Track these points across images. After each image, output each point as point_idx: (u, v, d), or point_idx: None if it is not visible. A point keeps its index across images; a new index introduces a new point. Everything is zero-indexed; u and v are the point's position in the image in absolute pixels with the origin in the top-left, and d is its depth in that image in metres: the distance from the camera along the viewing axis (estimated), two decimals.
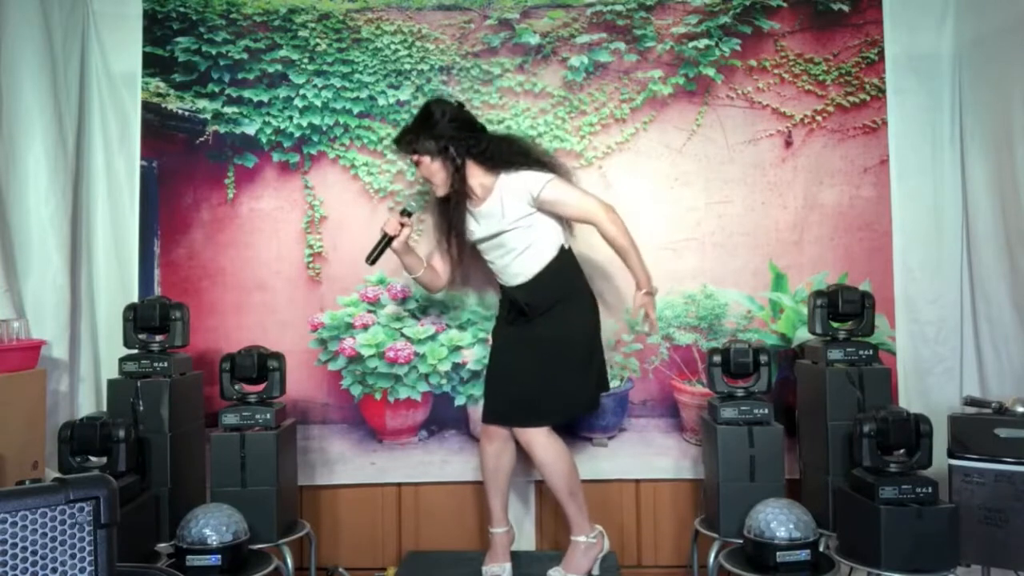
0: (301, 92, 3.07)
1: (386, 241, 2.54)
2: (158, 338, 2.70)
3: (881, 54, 3.04)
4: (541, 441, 2.52)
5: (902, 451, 2.41)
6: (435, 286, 2.72)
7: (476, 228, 2.57)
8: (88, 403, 2.98)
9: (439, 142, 2.51)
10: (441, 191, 2.54)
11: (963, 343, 3.02)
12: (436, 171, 2.53)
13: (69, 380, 2.91)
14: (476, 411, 2.94)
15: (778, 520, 2.36)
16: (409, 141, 2.55)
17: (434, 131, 2.51)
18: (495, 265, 2.61)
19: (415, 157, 2.54)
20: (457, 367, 2.99)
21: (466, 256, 2.62)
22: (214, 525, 2.38)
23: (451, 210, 2.54)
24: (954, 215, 3.03)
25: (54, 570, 1.21)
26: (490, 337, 2.81)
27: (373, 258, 2.55)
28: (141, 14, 3.08)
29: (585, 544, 2.59)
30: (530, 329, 2.55)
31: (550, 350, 2.53)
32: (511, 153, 2.57)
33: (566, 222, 2.59)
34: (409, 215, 2.56)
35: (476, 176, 2.54)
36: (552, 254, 2.54)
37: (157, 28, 3.09)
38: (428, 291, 2.80)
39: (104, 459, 2.40)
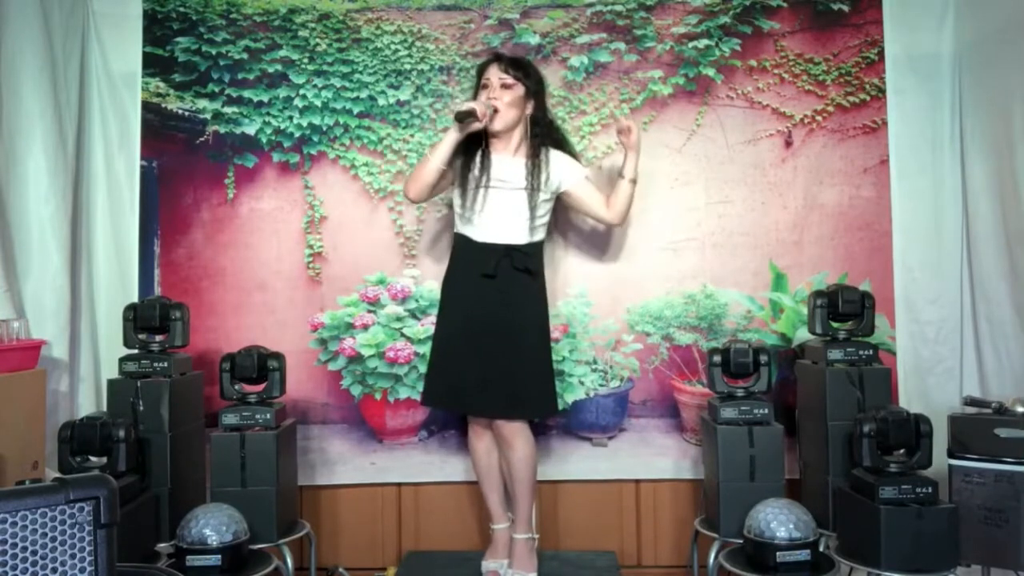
0: (301, 92, 3.07)
1: (470, 116, 2.46)
2: (158, 338, 2.71)
3: (881, 54, 3.04)
4: (528, 434, 2.56)
5: (902, 451, 2.41)
6: (434, 185, 2.60)
7: (501, 172, 2.57)
8: (88, 403, 2.98)
9: (537, 88, 2.63)
10: (498, 125, 2.54)
11: (963, 343, 3.02)
12: (513, 105, 2.56)
13: (69, 380, 2.92)
14: None
15: (778, 520, 2.36)
16: (518, 66, 2.59)
17: (537, 77, 2.65)
18: (497, 214, 2.55)
19: (511, 81, 2.55)
20: None
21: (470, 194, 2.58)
22: (214, 525, 2.38)
23: (482, 148, 2.59)
24: (954, 215, 3.03)
25: (54, 570, 1.21)
26: (444, 305, 2.66)
27: (461, 115, 2.47)
28: (141, 14, 3.08)
29: (533, 540, 2.64)
30: (512, 316, 2.53)
31: (539, 340, 2.57)
32: (559, 136, 2.73)
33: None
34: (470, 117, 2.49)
35: (520, 132, 2.61)
36: (545, 235, 2.67)
37: (157, 28, 3.09)
38: (423, 186, 2.59)
39: (104, 459, 2.40)
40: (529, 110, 2.61)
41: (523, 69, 2.61)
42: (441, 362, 2.59)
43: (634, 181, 2.70)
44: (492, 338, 2.51)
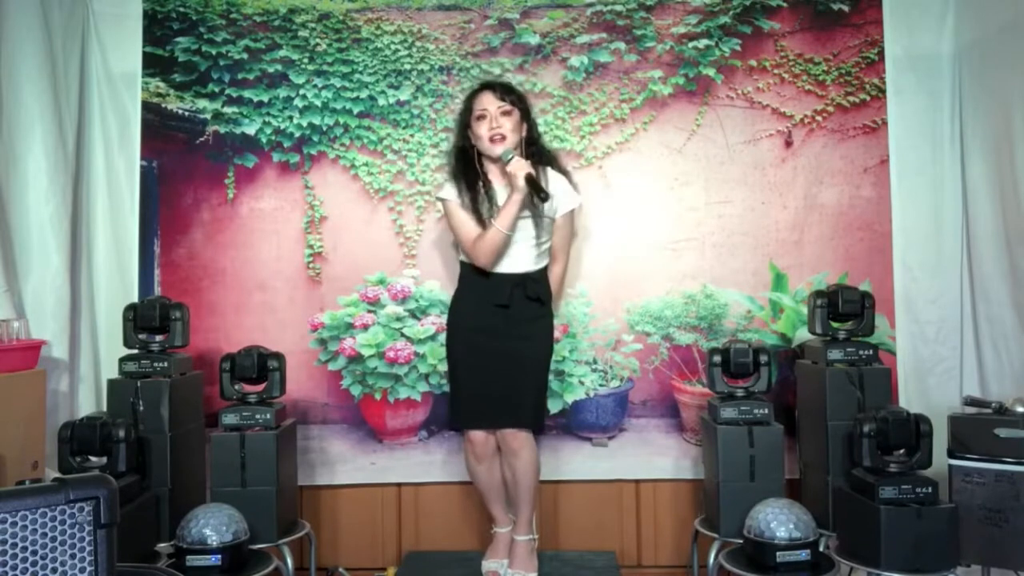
0: (301, 92, 3.07)
1: (530, 183, 2.41)
2: (158, 338, 2.71)
3: (881, 54, 3.05)
4: (532, 442, 2.57)
5: (902, 451, 2.41)
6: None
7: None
8: (88, 403, 2.98)
9: (528, 110, 2.61)
10: (498, 151, 2.49)
11: (963, 343, 3.02)
12: (514, 131, 2.52)
13: (69, 380, 2.92)
14: None
15: (778, 520, 2.36)
16: (511, 91, 2.58)
17: (526, 99, 2.62)
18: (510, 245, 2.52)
19: (508, 107, 2.52)
20: None
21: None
22: (214, 525, 2.38)
23: (484, 175, 2.55)
24: (954, 215, 3.03)
25: (54, 570, 1.21)
26: (458, 339, 2.60)
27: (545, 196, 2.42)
28: (141, 14, 3.08)
29: (533, 541, 2.65)
30: (522, 344, 2.53)
31: (543, 361, 2.58)
32: (552, 155, 2.69)
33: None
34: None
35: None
36: (548, 259, 2.61)
37: (157, 28, 3.09)
38: (499, 256, 2.49)
39: (104, 459, 2.39)
40: (523, 133, 2.57)
41: (515, 93, 2.58)
42: (464, 388, 2.57)
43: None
44: (503, 362, 2.51)
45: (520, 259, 2.53)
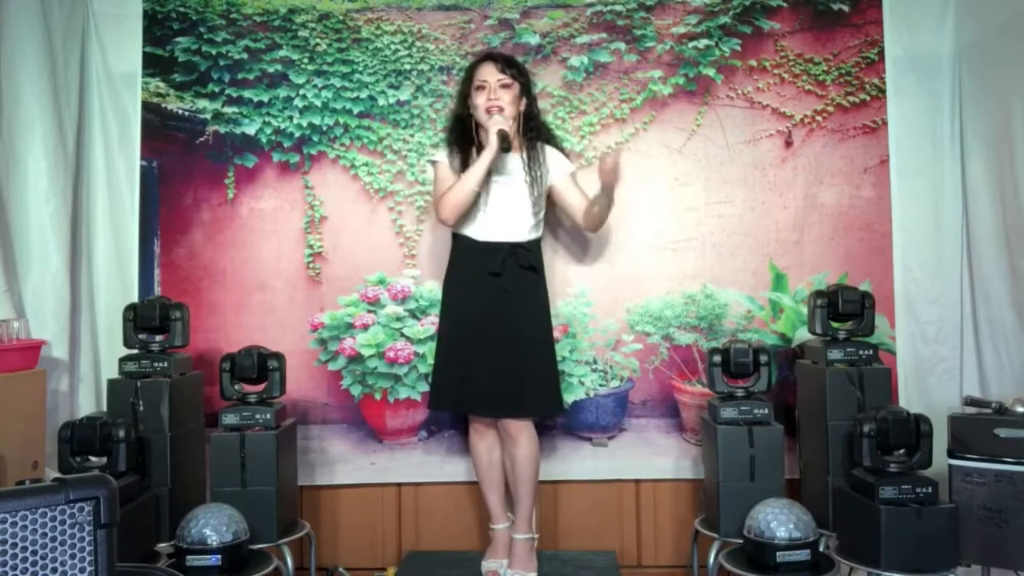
0: (301, 92, 3.07)
1: (501, 138, 2.48)
2: (158, 338, 2.71)
3: (881, 54, 3.04)
4: (532, 432, 2.57)
5: (902, 451, 2.41)
6: (471, 205, 2.55)
7: (499, 168, 2.58)
8: (88, 403, 2.98)
9: (529, 84, 2.68)
10: (498, 125, 2.52)
11: (963, 343, 3.02)
12: (512, 103, 2.57)
13: (69, 380, 2.92)
14: None
15: (778, 520, 2.36)
16: (512, 64, 2.62)
17: (527, 74, 2.70)
18: (499, 211, 2.56)
19: (509, 80, 2.57)
20: None
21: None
22: (214, 525, 2.38)
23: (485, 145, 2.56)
24: (954, 215, 3.03)
25: (54, 570, 1.21)
26: (448, 303, 2.67)
27: (507, 147, 2.50)
28: (141, 14, 3.08)
29: (533, 540, 2.65)
30: (517, 314, 2.54)
31: (543, 338, 2.59)
32: (549, 131, 2.80)
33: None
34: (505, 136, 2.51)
35: (514, 129, 2.61)
36: (542, 232, 2.68)
37: (157, 28, 3.09)
38: (462, 211, 2.54)
39: (104, 459, 2.39)
40: (522, 106, 2.63)
41: (516, 67, 2.64)
42: (447, 365, 2.59)
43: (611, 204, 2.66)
44: (498, 338, 2.52)
45: (512, 228, 2.57)
